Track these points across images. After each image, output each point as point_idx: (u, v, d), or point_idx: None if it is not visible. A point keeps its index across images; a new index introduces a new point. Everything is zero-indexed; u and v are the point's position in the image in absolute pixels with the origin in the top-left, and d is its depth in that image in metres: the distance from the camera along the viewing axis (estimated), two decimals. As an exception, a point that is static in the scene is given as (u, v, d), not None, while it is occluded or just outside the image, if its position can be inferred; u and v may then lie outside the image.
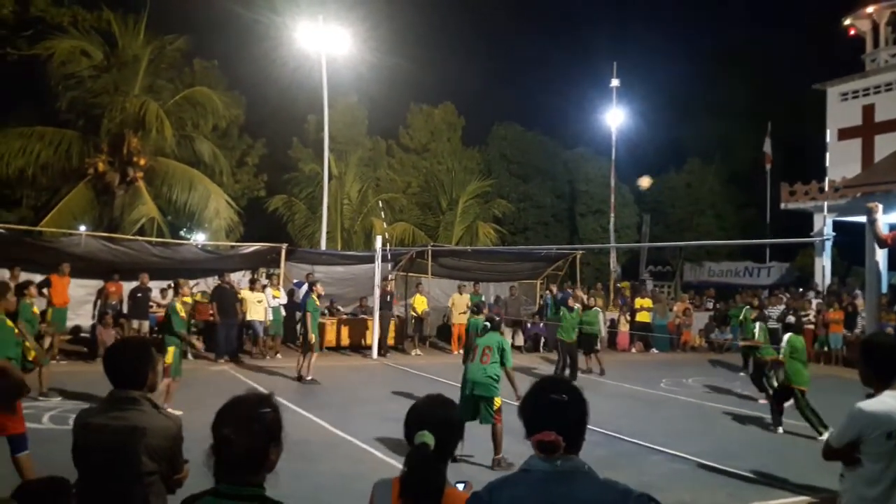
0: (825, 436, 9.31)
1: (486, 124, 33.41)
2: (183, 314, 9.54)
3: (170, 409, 5.98)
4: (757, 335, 11.84)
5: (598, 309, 15.77)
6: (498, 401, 7.26)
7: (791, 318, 11.61)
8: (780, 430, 9.49)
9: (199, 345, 12.80)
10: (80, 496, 2.74)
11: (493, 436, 7.19)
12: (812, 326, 17.76)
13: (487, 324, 7.80)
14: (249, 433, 1.99)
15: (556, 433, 1.95)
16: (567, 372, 13.14)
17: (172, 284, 11.02)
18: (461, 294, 17.36)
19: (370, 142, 30.56)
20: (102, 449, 2.73)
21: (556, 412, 2.01)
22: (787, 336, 9.70)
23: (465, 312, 15.41)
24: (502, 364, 7.40)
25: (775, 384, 9.83)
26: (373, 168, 29.55)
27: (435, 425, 2.17)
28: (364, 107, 30.18)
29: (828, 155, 25.42)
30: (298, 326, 12.51)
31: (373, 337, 16.11)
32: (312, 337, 12.07)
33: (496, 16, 56.39)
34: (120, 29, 18.99)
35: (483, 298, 18.20)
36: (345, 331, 16.90)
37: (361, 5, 23.51)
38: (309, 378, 12.06)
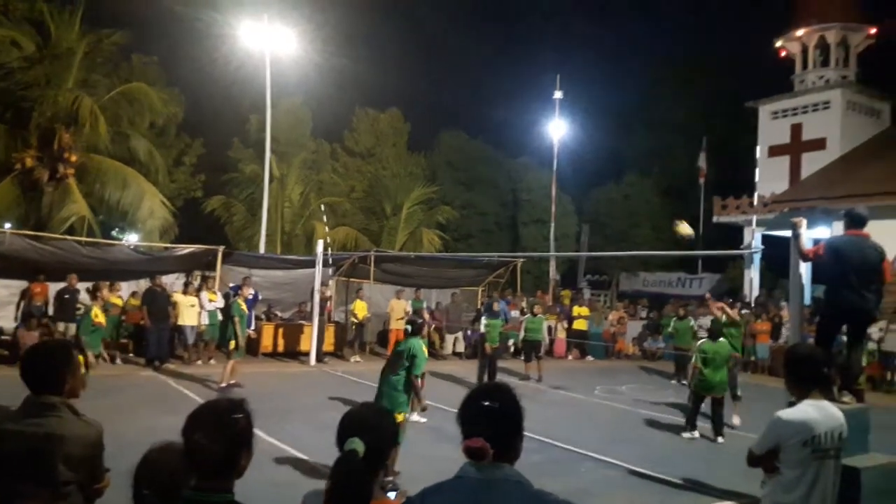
0: (686, 434, 9.70)
1: (432, 131, 33.60)
2: (99, 319, 8.92)
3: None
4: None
5: (542, 317, 15.94)
6: (400, 416, 6.46)
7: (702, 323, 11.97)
8: (696, 433, 9.77)
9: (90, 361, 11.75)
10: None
11: None
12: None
13: (408, 327, 7.27)
14: (221, 439, 1.95)
15: (486, 440, 1.94)
16: (487, 376, 13.12)
17: (91, 287, 10.33)
18: (399, 299, 17.26)
19: (314, 144, 30.21)
20: (16, 457, 2.59)
21: (487, 419, 2.00)
22: (699, 343, 10.06)
23: (402, 318, 15.32)
24: (409, 372, 6.70)
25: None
26: (316, 171, 29.23)
27: (366, 432, 2.13)
28: (309, 108, 29.83)
29: (758, 171, 26.47)
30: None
31: (311, 343, 15.89)
32: (232, 343, 11.68)
33: (443, 25, 56.80)
34: (54, 20, 18.29)
35: (425, 304, 18.17)
36: (282, 336, 16.62)
37: (308, 5, 23.32)
38: (223, 385, 11.46)
